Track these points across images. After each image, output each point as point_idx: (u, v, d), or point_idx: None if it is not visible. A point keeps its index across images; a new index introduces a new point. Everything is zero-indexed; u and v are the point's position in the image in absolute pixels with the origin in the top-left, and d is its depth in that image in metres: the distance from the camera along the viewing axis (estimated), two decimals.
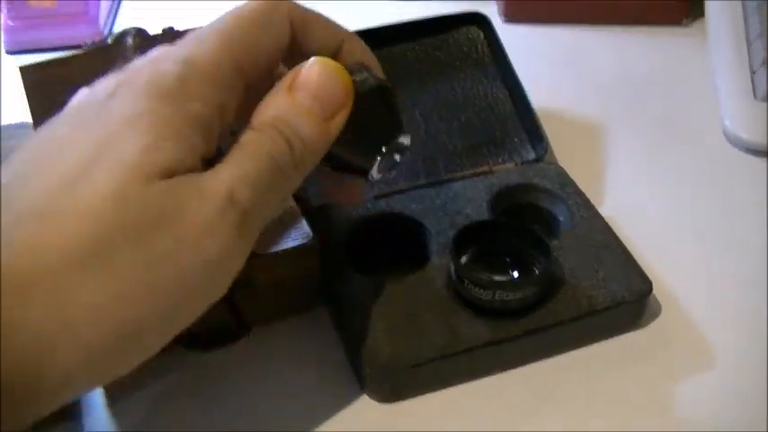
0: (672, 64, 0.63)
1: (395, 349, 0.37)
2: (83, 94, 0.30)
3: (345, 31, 0.35)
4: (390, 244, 0.44)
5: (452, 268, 0.39)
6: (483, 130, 0.50)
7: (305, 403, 0.38)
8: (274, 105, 0.31)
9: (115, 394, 0.38)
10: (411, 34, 0.52)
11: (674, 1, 0.66)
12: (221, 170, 0.28)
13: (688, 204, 0.50)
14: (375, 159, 0.35)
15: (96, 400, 0.38)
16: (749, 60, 0.58)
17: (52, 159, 0.27)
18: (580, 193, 0.46)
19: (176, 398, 0.38)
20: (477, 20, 0.53)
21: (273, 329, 0.41)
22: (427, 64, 0.52)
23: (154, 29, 0.44)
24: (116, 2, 0.70)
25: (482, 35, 0.53)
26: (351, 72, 0.32)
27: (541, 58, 0.63)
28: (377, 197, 0.45)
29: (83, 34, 0.63)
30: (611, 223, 0.44)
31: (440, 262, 0.41)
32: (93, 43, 0.45)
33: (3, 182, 0.27)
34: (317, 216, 0.42)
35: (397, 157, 0.35)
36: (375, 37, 0.50)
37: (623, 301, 0.40)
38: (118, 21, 0.68)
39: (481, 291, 0.38)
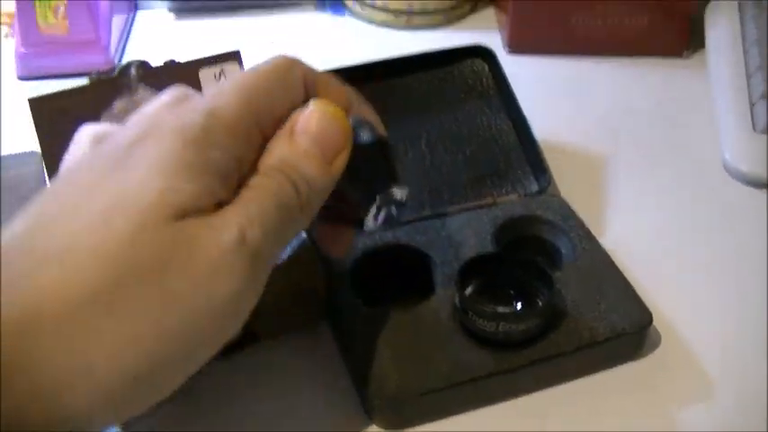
0: (672, 96, 0.64)
1: (402, 378, 0.38)
2: (107, 141, 0.31)
3: (351, 91, 0.36)
4: (396, 275, 0.45)
5: (457, 300, 0.40)
6: (487, 161, 0.51)
7: (312, 429, 0.39)
8: (278, 150, 0.32)
9: None
10: (417, 66, 0.53)
11: (674, 33, 0.67)
12: (232, 212, 0.29)
13: (688, 236, 0.50)
14: (369, 209, 0.36)
15: None
16: (749, 92, 0.59)
17: (77, 206, 0.28)
18: (582, 225, 0.47)
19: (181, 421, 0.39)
20: (482, 53, 0.54)
21: (279, 353, 0.42)
22: (432, 96, 0.53)
23: (158, 60, 0.45)
24: (127, 29, 0.71)
25: (487, 68, 0.54)
26: (353, 125, 0.34)
27: (544, 89, 0.64)
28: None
29: (94, 61, 0.64)
30: (612, 254, 0.45)
31: (445, 293, 0.42)
32: (99, 74, 0.46)
33: (26, 225, 0.28)
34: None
35: (394, 210, 0.37)
36: (381, 69, 0.52)
37: (624, 332, 0.40)
38: (128, 48, 0.70)
39: (485, 322, 0.39)
